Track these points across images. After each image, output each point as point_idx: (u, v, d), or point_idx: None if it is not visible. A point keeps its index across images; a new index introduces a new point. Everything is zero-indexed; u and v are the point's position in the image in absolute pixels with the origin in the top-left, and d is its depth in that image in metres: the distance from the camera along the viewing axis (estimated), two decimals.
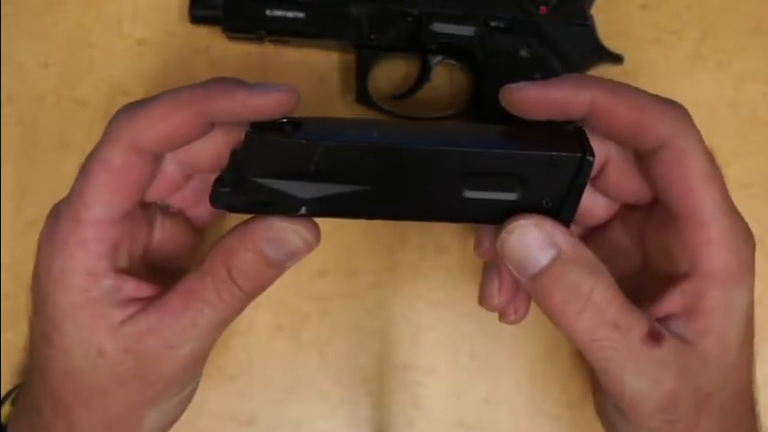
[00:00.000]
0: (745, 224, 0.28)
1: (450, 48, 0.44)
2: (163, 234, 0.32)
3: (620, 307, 0.27)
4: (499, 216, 0.28)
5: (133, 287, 0.29)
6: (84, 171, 0.28)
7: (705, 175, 0.27)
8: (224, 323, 0.29)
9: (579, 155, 0.27)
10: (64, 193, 0.29)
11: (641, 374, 0.27)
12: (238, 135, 0.29)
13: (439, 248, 0.44)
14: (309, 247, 0.29)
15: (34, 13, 0.45)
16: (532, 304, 0.35)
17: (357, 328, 0.44)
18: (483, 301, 0.35)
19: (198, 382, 0.32)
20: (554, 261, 0.27)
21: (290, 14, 0.43)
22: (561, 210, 0.28)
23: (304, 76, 0.45)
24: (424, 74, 0.45)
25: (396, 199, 0.28)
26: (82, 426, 0.29)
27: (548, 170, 0.27)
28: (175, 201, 0.33)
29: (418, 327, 0.44)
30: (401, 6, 0.43)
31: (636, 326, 0.27)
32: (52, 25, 0.45)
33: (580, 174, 0.27)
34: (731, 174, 0.46)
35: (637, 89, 0.28)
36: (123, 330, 0.28)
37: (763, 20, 0.47)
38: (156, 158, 0.29)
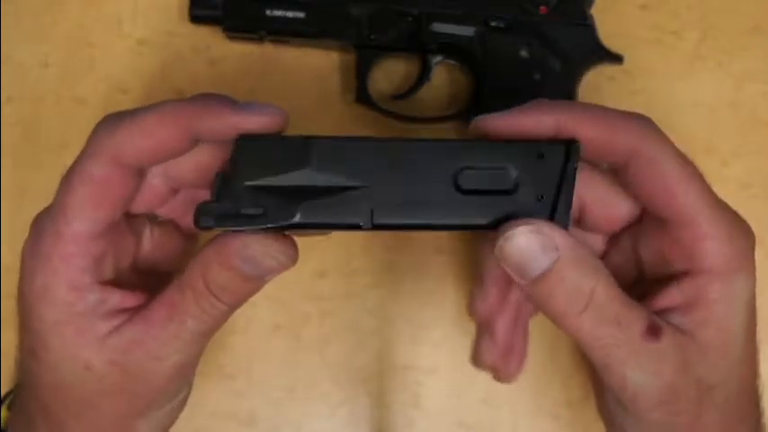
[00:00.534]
0: (735, 214, 0.29)
1: (450, 48, 0.44)
2: (152, 243, 0.32)
3: (621, 303, 0.27)
4: (496, 218, 0.28)
5: (118, 299, 0.29)
6: (66, 184, 0.28)
7: (682, 176, 0.27)
8: (209, 333, 0.29)
9: (565, 142, 0.28)
10: None
11: (642, 368, 0.27)
12: (223, 152, 0.28)
13: (439, 248, 0.44)
14: (285, 267, 0.29)
15: (34, 13, 0.45)
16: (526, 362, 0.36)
17: (357, 328, 0.44)
18: (476, 360, 0.36)
19: (190, 390, 0.32)
20: (555, 264, 0.27)
21: (290, 14, 0.43)
22: (557, 205, 0.28)
23: (304, 76, 0.45)
24: (424, 74, 0.45)
25: (392, 203, 0.28)
26: None
27: (537, 163, 0.27)
28: (164, 212, 0.33)
29: (418, 327, 0.44)
30: (401, 6, 0.43)
31: (636, 321, 0.27)
32: (52, 25, 0.45)
33: (569, 161, 0.27)
34: (731, 174, 0.46)
35: (601, 107, 0.29)
36: (109, 343, 0.28)
37: (763, 20, 0.47)
38: (139, 172, 0.29)
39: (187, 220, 0.34)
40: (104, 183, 0.27)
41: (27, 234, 0.29)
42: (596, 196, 0.31)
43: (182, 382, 0.30)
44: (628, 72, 0.46)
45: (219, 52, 0.45)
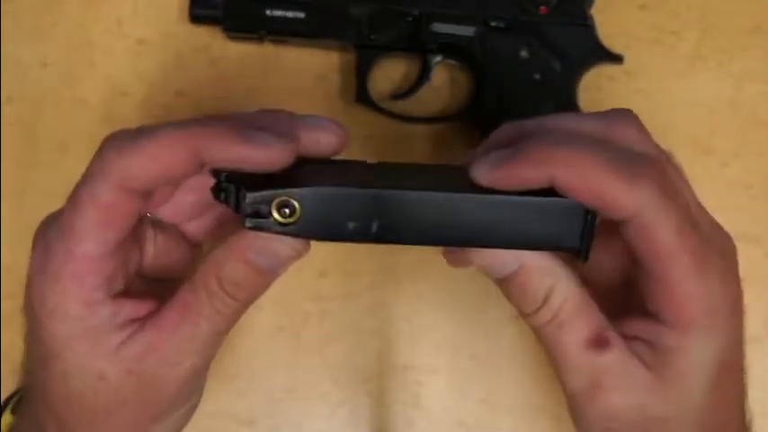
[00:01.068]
0: (723, 272, 0.27)
1: (451, 48, 0.44)
2: (156, 249, 0.32)
3: (572, 308, 0.28)
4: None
5: (130, 309, 0.28)
6: (75, 203, 0.27)
7: (672, 247, 0.26)
8: (223, 333, 0.29)
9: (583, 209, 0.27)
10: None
11: (577, 377, 0.28)
12: None
13: (439, 249, 0.44)
14: (299, 255, 0.29)
15: (34, 13, 0.45)
16: None
17: (357, 328, 0.44)
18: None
19: (202, 392, 0.32)
20: (518, 269, 0.28)
21: (290, 14, 0.43)
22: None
23: (304, 76, 0.45)
24: (424, 74, 0.45)
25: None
26: None
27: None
28: (167, 216, 0.33)
29: (418, 327, 0.44)
30: (401, 6, 0.43)
31: (581, 329, 0.28)
32: (52, 25, 0.45)
33: (587, 222, 0.27)
34: (731, 174, 0.46)
35: (604, 160, 0.26)
36: (123, 352, 0.28)
37: (763, 20, 0.47)
38: (147, 194, 0.28)
39: (191, 226, 0.34)
40: (112, 207, 0.27)
41: (27, 234, 0.29)
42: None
43: (196, 385, 0.30)
44: (628, 72, 0.46)
45: (219, 52, 0.45)
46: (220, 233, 0.34)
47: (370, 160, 0.32)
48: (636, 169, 0.26)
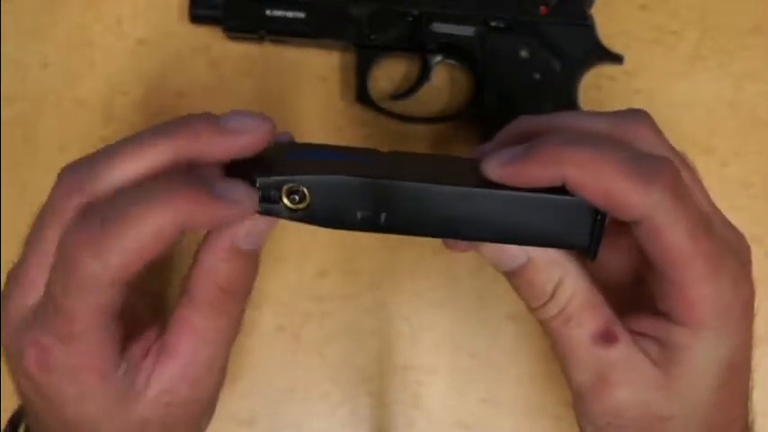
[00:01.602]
0: (736, 274, 0.27)
1: (451, 48, 0.44)
2: None
3: (581, 302, 0.28)
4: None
5: (139, 349, 0.28)
6: (67, 289, 0.25)
7: (685, 250, 0.26)
8: (236, 329, 0.29)
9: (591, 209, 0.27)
10: None
11: (584, 370, 0.28)
12: None
13: (439, 248, 0.44)
14: (273, 225, 0.28)
15: (34, 13, 0.45)
16: None
17: (357, 328, 0.44)
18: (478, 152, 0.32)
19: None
20: (527, 262, 0.28)
21: (289, 14, 0.43)
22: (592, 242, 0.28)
23: (304, 76, 0.45)
24: (424, 74, 0.45)
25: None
26: None
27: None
28: None
29: (418, 327, 0.44)
30: (401, 6, 0.43)
31: (588, 322, 0.28)
32: (52, 25, 0.45)
33: (596, 222, 0.27)
34: (731, 174, 0.46)
35: (616, 161, 0.25)
36: (153, 394, 0.27)
37: (763, 20, 0.47)
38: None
39: None
40: (108, 302, 0.25)
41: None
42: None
43: (221, 387, 0.31)
44: (628, 72, 0.46)
45: (219, 52, 0.45)
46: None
47: (383, 149, 0.32)
48: (648, 171, 0.25)
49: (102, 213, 0.24)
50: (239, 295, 0.28)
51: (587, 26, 0.44)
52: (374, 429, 0.43)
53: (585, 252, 0.27)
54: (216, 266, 0.27)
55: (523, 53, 0.43)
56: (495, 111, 0.43)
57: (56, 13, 0.45)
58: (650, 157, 0.26)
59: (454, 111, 0.45)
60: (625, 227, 0.27)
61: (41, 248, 0.26)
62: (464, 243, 0.29)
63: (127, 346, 0.28)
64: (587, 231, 0.27)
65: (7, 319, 0.27)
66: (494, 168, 0.26)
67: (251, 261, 0.28)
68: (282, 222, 0.27)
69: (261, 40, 0.44)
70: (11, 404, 0.33)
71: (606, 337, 0.28)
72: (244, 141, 0.26)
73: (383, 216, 0.26)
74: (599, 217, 0.26)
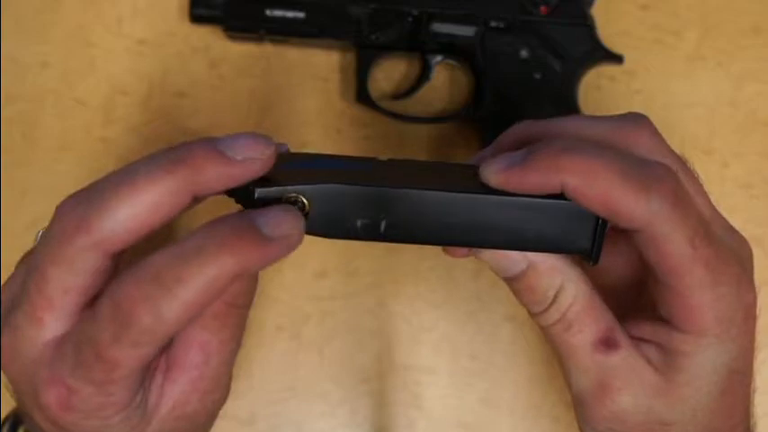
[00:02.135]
0: (737, 280, 0.27)
1: (451, 48, 0.44)
2: None
3: (582, 307, 0.27)
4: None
5: (148, 374, 0.27)
6: (118, 341, 0.24)
7: (685, 259, 0.26)
8: (240, 342, 0.29)
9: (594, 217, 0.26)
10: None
11: (586, 375, 0.28)
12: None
13: (439, 249, 0.44)
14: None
15: (34, 13, 0.45)
16: None
17: (357, 328, 0.44)
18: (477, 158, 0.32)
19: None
20: (528, 268, 0.28)
21: (289, 14, 0.43)
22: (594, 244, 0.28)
23: (304, 76, 0.45)
24: (424, 74, 0.45)
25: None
26: None
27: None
28: None
29: (418, 327, 0.44)
30: (401, 6, 0.43)
31: (589, 328, 0.28)
32: (52, 25, 0.45)
33: (598, 229, 0.27)
34: (731, 174, 0.46)
35: (616, 170, 0.25)
36: (166, 410, 0.28)
37: (763, 20, 0.47)
38: None
39: None
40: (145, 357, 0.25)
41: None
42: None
43: (228, 395, 0.31)
44: (628, 72, 0.46)
45: (219, 52, 0.45)
46: None
47: (381, 156, 0.32)
48: (648, 180, 0.25)
49: (156, 267, 0.24)
50: (243, 308, 0.28)
51: (587, 26, 0.44)
52: (374, 429, 0.43)
53: (587, 257, 0.27)
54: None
55: (523, 53, 0.43)
56: (495, 111, 0.43)
57: (56, 13, 0.45)
58: (650, 164, 0.26)
59: (454, 111, 0.45)
60: (626, 231, 0.27)
61: (47, 291, 0.25)
62: (464, 249, 0.29)
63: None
64: (589, 236, 0.27)
65: (16, 353, 0.26)
66: (492, 174, 0.26)
67: (254, 275, 0.28)
68: None
69: (261, 40, 0.44)
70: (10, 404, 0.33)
71: (607, 344, 0.28)
72: (252, 170, 0.25)
73: (383, 224, 0.26)
74: (600, 221, 0.26)
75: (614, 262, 0.30)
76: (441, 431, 0.43)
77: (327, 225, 0.26)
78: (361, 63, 0.44)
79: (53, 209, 0.29)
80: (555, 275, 0.28)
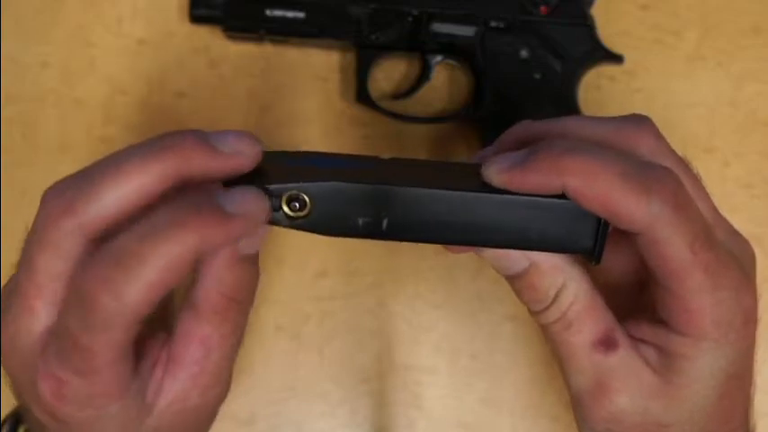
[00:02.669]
0: (738, 284, 0.27)
1: (451, 48, 0.44)
2: None
3: (582, 307, 0.28)
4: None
5: (147, 361, 0.28)
6: (86, 327, 0.24)
7: (685, 263, 0.26)
8: (241, 339, 0.29)
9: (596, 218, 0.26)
10: None
11: (584, 375, 0.28)
12: None
13: (439, 249, 0.44)
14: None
15: (34, 13, 0.45)
16: None
17: (357, 328, 0.44)
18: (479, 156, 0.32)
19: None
20: (529, 266, 0.28)
21: (289, 14, 0.43)
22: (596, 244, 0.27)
23: (304, 76, 0.45)
24: (424, 74, 0.45)
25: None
26: None
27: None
28: None
29: (418, 327, 0.44)
30: (401, 6, 0.43)
31: (589, 328, 0.28)
32: (52, 25, 0.45)
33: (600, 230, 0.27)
34: (731, 174, 0.46)
35: (617, 172, 0.25)
36: (165, 404, 0.27)
37: (763, 20, 0.47)
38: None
39: None
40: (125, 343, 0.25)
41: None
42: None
43: (228, 391, 0.31)
44: (628, 72, 0.46)
45: (219, 52, 0.45)
46: None
47: (384, 155, 0.32)
48: (649, 182, 0.25)
49: (115, 249, 0.24)
50: (244, 302, 0.28)
51: (587, 26, 0.44)
52: (374, 429, 0.43)
53: (589, 256, 0.27)
54: (220, 275, 0.27)
55: (523, 53, 0.43)
56: (495, 111, 0.43)
57: (56, 13, 0.45)
58: (651, 166, 0.26)
59: (454, 111, 0.45)
60: (627, 232, 0.27)
61: (36, 279, 0.26)
62: (475, 251, 0.29)
63: (141, 365, 0.27)
64: (591, 235, 0.26)
65: (15, 345, 0.26)
66: (494, 174, 0.26)
67: (252, 266, 0.28)
68: None
69: (261, 40, 0.44)
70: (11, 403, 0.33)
71: (606, 344, 0.28)
72: (238, 163, 0.26)
73: (385, 222, 0.26)
74: (603, 221, 0.26)
75: (616, 261, 0.30)
76: (441, 431, 0.43)
77: (329, 223, 0.26)
78: (361, 63, 0.44)
79: None
80: (557, 274, 0.28)
